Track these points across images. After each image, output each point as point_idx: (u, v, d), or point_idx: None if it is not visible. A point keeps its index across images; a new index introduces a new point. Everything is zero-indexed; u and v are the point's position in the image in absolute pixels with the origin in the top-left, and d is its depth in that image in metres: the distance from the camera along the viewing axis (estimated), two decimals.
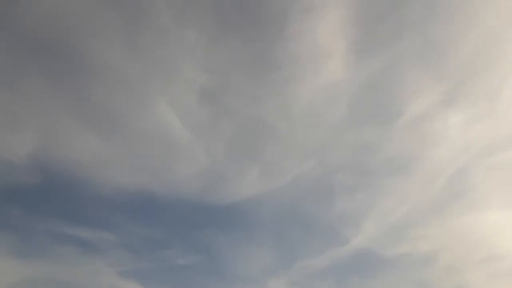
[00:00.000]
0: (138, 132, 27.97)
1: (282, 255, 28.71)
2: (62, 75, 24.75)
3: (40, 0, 23.23)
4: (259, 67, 28.17)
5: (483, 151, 28.46)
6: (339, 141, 30.11)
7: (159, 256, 27.39)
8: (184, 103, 28.32)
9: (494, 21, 27.07)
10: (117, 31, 25.04)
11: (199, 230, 29.21)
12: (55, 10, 23.67)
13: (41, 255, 24.26)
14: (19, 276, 23.28)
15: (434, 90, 28.35)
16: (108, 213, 26.90)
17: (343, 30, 27.29)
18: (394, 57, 27.76)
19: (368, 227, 29.01)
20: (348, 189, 30.14)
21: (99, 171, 26.70)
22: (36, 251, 24.27)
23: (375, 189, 29.77)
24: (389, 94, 29.34)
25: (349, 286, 27.93)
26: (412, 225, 28.56)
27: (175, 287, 26.67)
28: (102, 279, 24.88)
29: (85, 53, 24.72)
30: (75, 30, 24.10)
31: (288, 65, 28.07)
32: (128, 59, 26.10)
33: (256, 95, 29.01)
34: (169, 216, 29.01)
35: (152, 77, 26.94)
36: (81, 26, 24.06)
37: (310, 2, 26.94)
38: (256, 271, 27.93)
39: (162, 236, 28.19)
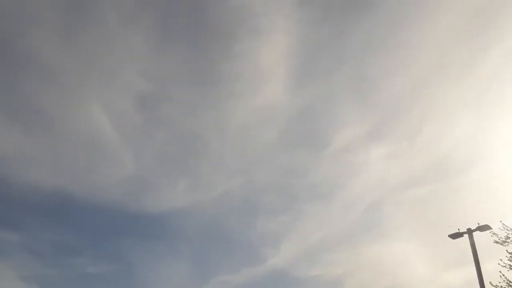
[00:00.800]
0: (65, 131, 26.42)
1: (200, 270, 28.76)
2: None
3: None
4: (200, 81, 28.09)
5: (396, 187, 30.98)
6: (268, 162, 30.91)
7: (68, 263, 26.02)
8: (119, 107, 27.31)
9: (423, 64, 29.70)
10: (56, 25, 23.55)
11: (117, 238, 28.20)
12: None
13: None
14: None
15: (362, 124, 30.35)
16: (18, 212, 25.04)
17: (286, 55, 28.20)
18: (330, 88, 29.27)
19: (286, 248, 30.13)
20: (271, 210, 31.05)
21: (16, 167, 24.80)
22: None
23: (297, 213, 31.03)
24: (321, 122, 30.82)
25: None
26: (326, 250, 30.21)
27: None
28: (2, 283, 22.96)
29: (17, 43, 22.90)
30: (7, 18, 22.24)
31: (229, 82, 28.33)
32: (65, 56, 24.60)
33: (193, 108, 28.83)
34: (86, 221, 27.67)
35: (88, 77, 25.65)
36: (14, 14, 22.25)
37: (258, 25, 27.53)
38: (171, 285, 27.64)
39: (75, 241, 26.82)
